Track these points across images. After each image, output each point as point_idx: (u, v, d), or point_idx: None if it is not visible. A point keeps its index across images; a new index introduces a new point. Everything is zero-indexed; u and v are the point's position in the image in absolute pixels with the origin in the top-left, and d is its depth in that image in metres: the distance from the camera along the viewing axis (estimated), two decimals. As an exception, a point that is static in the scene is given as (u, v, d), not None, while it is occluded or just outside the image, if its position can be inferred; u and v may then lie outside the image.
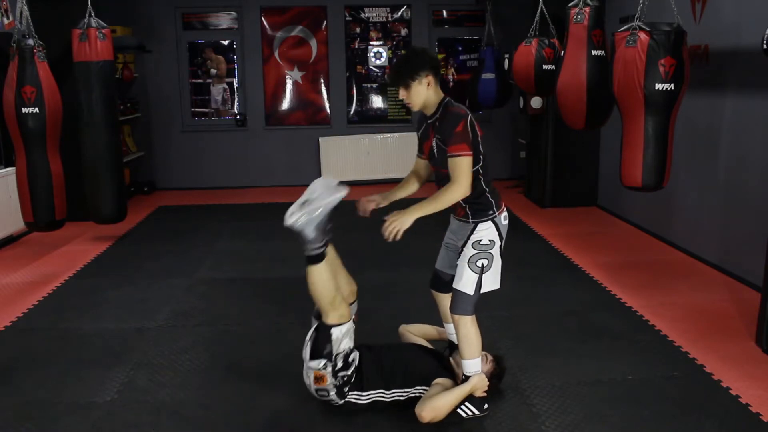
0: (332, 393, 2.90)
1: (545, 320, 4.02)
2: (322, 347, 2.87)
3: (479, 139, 2.85)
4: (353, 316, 3.04)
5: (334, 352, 2.87)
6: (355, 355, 2.95)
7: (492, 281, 2.91)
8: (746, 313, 4.00)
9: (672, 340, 3.70)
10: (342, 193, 2.90)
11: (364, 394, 2.93)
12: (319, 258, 2.86)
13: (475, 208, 2.90)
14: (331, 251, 3.00)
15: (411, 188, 3.17)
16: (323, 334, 2.88)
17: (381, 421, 2.90)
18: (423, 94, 2.84)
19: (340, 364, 2.88)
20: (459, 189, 2.77)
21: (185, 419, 2.94)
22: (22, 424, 2.89)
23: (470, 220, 2.92)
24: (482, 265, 2.88)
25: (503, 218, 2.95)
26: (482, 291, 2.90)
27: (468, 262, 2.88)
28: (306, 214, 2.82)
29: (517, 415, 2.95)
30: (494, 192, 2.94)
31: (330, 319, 2.88)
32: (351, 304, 3.09)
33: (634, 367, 3.37)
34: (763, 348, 3.55)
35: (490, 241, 2.89)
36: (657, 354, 3.54)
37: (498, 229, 2.92)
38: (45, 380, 3.30)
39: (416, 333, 3.40)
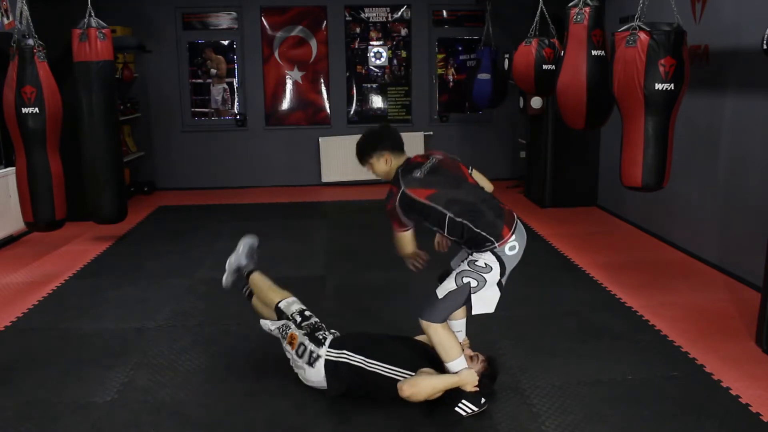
0: (308, 344, 3.06)
1: (545, 320, 4.02)
2: (279, 319, 3.30)
3: (430, 202, 2.89)
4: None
5: (288, 313, 3.26)
6: (312, 314, 3.27)
7: (483, 305, 2.91)
8: (746, 313, 4.00)
9: (672, 340, 3.70)
10: (249, 240, 3.81)
11: (342, 351, 3.01)
12: (251, 273, 3.62)
13: (472, 244, 2.93)
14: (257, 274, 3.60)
15: None
16: (276, 311, 3.35)
17: (381, 421, 2.90)
18: (382, 168, 3.12)
19: (298, 318, 3.21)
20: (402, 252, 3.15)
21: (185, 419, 2.94)
22: (22, 424, 2.89)
23: (471, 251, 2.95)
24: (468, 283, 2.87)
25: (507, 249, 2.91)
26: (474, 312, 2.92)
27: (456, 275, 2.91)
28: (230, 261, 3.68)
29: (517, 415, 2.95)
30: (491, 226, 2.89)
31: (275, 300, 3.38)
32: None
33: (634, 367, 3.37)
34: (763, 348, 3.55)
35: (485, 264, 2.88)
36: (657, 354, 3.54)
37: (500, 260, 2.90)
38: (45, 380, 3.30)
39: (425, 340, 3.39)
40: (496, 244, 2.88)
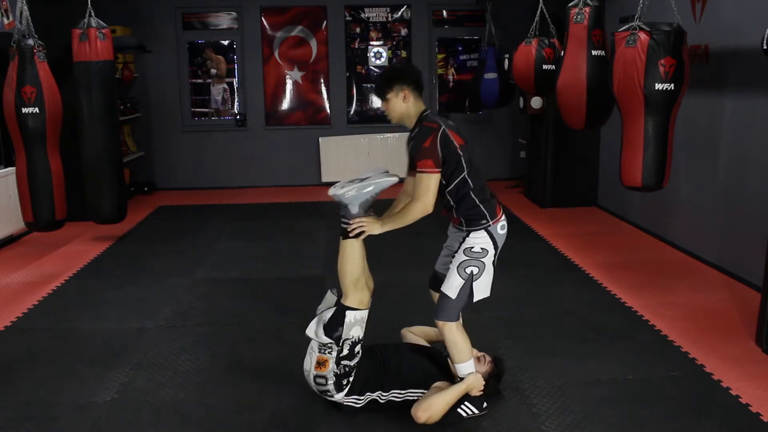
0: (330, 382, 2.88)
1: (545, 320, 4.02)
2: (332, 328, 2.86)
3: (460, 150, 2.83)
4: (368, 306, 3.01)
5: (343, 337, 2.86)
6: (360, 349, 2.93)
7: (483, 290, 2.91)
8: (746, 313, 4.00)
9: (672, 340, 3.70)
10: (394, 178, 2.95)
11: (361, 398, 2.94)
12: (357, 234, 2.87)
13: (468, 217, 2.90)
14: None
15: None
16: (338, 313, 2.87)
17: (380, 421, 2.90)
18: (400, 106, 2.92)
19: (345, 351, 2.86)
20: (420, 206, 2.79)
21: (185, 419, 2.94)
22: (22, 424, 2.89)
23: (464, 228, 2.92)
24: (471, 272, 2.87)
25: (499, 227, 2.92)
26: (475, 299, 2.90)
27: (457, 268, 2.89)
28: (356, 188, 2.88)
29: (517, 415, 2.95)
30: (488, 202, 2.91)
31: (349, 301, 2.88)
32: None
33: (634, 367, 3.37)
34: (763, 348, 3.55)
35: (482, 249, 2.88)
36: (657, 354, 3.54)
37: (493, 238, 2.89)
38: (45, 380, 3.30)
39: (418, 334, 3.40)
40: (490, 222, 2.89)
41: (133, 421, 2.92)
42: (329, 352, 2.86)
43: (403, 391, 2.94)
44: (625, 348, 3.62)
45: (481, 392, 2.94)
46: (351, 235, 2.84)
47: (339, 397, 2.92)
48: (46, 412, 2.99)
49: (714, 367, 3.36)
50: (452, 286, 2.89)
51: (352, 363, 2.90)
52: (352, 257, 2.89)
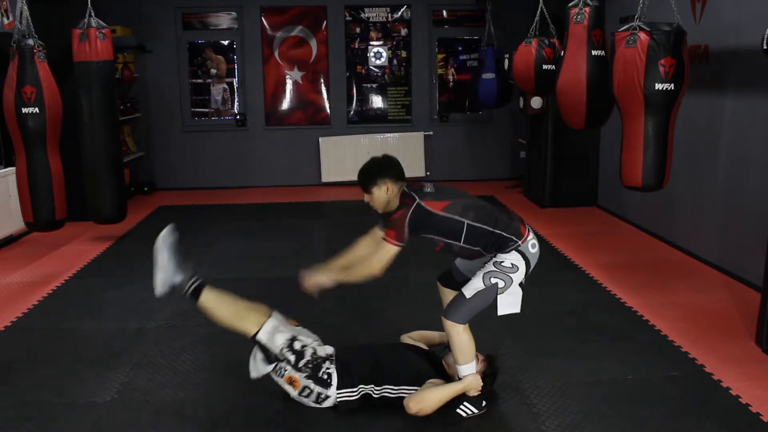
0: (313, 386, 2.91)
1: (545, 320, 4.02)
2: (266, 355, 2.95)
3: (445, 213, 2.86)
4: (284, 322, 3.07)
5: (275, 351, 2.92)
6: (304, 343, 2.98)
7: (509, 305, 2.92)
8: (746, 313, 4.00)
9: (672, 340, 3.70)
10: (164, 236, 3.02)
11: (354, 390, 2.94)
12: (199, 290, 3.00)
13: (497, 247, 2.90)
14: (211, 291, 3.07)
15: (354, 258, 3.16)
16: (257, 345, 2.97)
17: (380, 421, 2.90)
18: (383, 198, 2.99)
19: (291, 357, 2.92)
20: (369, 270, 2.90)
21: (185, 419, 2.94)
22: (22, 424, 2.89)
23: (493, 254, 2.92)
24: (496, 283, 2.86)
25: (530, 246, 2.92)
26: (499, 312, 2.91)
27: (483, 275, 2.89)
28: (159, 270, 2.98)
29: (517, 415, 2.95)
30: (509, 227, 2.91)
31: (250, 332, 2.96)
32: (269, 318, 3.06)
33: (634, 367, 3.37)
34: (763, 348, 3.55)
35: (512, 264, 2.88)
36: (657, 354, 3.54)
37: (525, 257, 2.90)
38: (45, 380, 3.30)
39: (417, 338, 3.39)
40: (520, 242, 2.89)
41: (133, 421, 2.92)
42: (285, 370, 2.93)
43: (396, 387, 2.94)
44: (625, 348, 3.62)
45: (479, 392, 2.94)
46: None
47: (332, 392, 2.92)
48: (46, 412, 2.99)
49: (714, 367, 3.36)
50: (471, 287, 2.89)
51: (309, 356, 2.94)
52: (215, 307, 3.00)
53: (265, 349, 2.94)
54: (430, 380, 2.95)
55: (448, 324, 2.90)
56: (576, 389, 3.16)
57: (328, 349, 3.03)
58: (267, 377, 3.00)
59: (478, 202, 3.01)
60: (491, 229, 2.88)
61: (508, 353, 3.53)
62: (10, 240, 5.84)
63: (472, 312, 2.90)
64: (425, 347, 3.30)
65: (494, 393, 3.08)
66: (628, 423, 2.87)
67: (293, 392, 2.95)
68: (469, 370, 2.92)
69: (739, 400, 3.05)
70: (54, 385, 3.25)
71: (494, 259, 2.90)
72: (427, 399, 2.84)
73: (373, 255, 2.92)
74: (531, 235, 2.96)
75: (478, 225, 2.88)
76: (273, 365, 2.94)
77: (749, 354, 3.53)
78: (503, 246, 2.89)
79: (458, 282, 3.12)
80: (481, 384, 2.94)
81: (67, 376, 3.34)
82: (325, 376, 2.92)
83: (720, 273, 4.83)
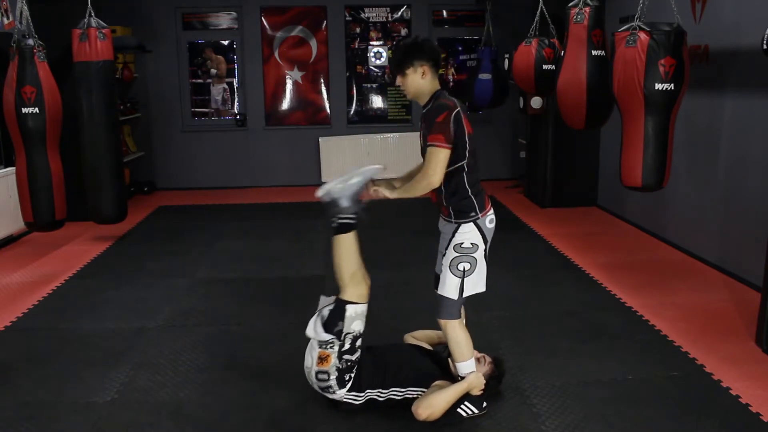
0: (332, 377, 2.88)
1: (545, 320, 4.02)
2: (333, 323, 2.86)
3: (467, 137, 2.80)
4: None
5: (344, 331, 2.85)
6: (361, 343, 2.92)
7: (474, 284, 2.89)
8: (746, 313, 4.00)
9: (672, 340, 3.70)
10: (377, 166, 2.96)
11: (361, 395, 2.94)
12: (347, 228, 2.89)
13: (458, 208, 2.87)
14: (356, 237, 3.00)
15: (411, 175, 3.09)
16: (338, 308, 2.87)
17: (380, 421, 2.90)
18: (417, 82, 2.86)
19: (347, 346, 2.86)
20: (426, 179, 2.76)
21: (185, 419, 2.94)
22: (22, 424, 2.89)
23: (453, 221, 2.89)
24: (464, 268, 2.86)
25: (488, 221, 2.90)
26: (465, 294, 2.89)
27: (450, 266, 2.87)
28: (341, 182, 2.90)
29: (517, 415, 2.95)
30: (479, 193, 2.89)
31: (347, 295, 2.88)
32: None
33: (634, 367, 3.37)
34: (763, 348, 3.55)
35: (472, 244, 2.86)
36: (657, 354, 3.54)
37: (482, 232, 2.87)
38: (45, 380, 3.30)
39: (419, 338, 3.40)
40: (479, 215, 2.87)
41: (133, 421, 2.92)
42: (331, 347, 2.85)
43: (402, 390, 2.95)
44: (625, 348, 3.62)
45: (482, 392, 2.94)
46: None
47: (341, 393, 2.91)
48: (46, 412, 2.99)
49: (714, 367, 3.36)
50: (450, 287, 2.88)
51: (354, 357, 2.89)
52: (347, 252, 2.90)
53: (335, 319, 2.85)
54: (436, 383, 2.95)
55: (443, 322, 2.92)
56: (576, 389, 3.16)
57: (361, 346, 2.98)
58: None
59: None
60: (467, 187, 2.85)
61: (508, 353, 3.53)
62: (10, 240, 5.84)
63: (459, 303, 2.90)
64: (429, 347, 3.30)
65: (500, 393, 3.08)
66: (628, 423, 2.87)
67: (313, 366, 2.88)
68: (468, 368, 2.92)
69: (739, 400, 3.05)
70: (54, 385, 3.25)
71: (453, 242, 2.86)
72: (434, 405, 2.82)
73: (426, 165, 2.76)
74: (491, 210, 2.93)
75: (466, 172, 2.83)
76: (330, 337, 2.84)
77: (749, 354, 3.53)
78: (461, 212, 2.85)
79: None
80: (484, 382, 2.94)
81: (67, 376, 3.34)
82: (346, 378, 2.90)
83: (720, 273, 4.83)
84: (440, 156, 2.73)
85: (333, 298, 2.96)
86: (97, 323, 4.06)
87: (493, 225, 2.93)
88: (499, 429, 2.84)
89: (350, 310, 2.86)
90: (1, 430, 2.85)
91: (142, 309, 4.27)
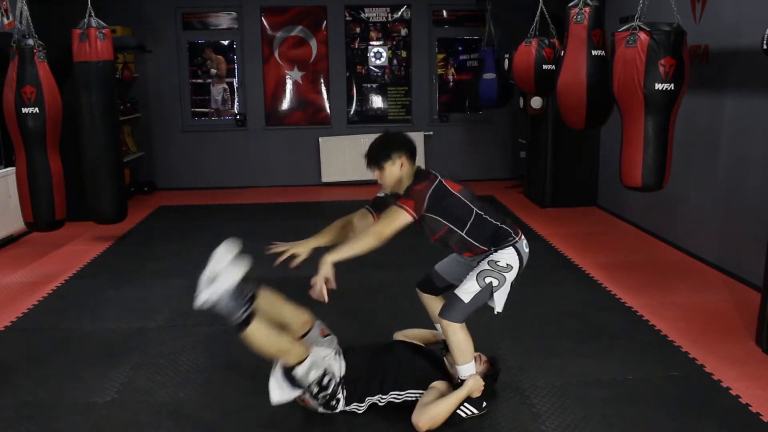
0: (320, 409, 2.92)
1: (545, 320, 4.02)
2: (292, 385, 2.82)
3: (460, 195, 2.86)
4: (320, 330, 3.03)
5: (305, 385, 2.82)
6: (333, 372, 2.89)
7: (497, 303, 2.91)
8: (746, 313, 4.00)
9: (672, 340, 3.70)
10: (243, 267, 2.84)
11: (362, 404, 2.94)
12: (245, 324, 2.73)
13: (495, 240, 2.91)
14: (263, 297, 2.98)
15: (333, 236, 3.15)
16: (287, 377, 2.81)
17: (380, 421, 2.90)
18: (396, 174, 2.90)
19: (315, 390, 2.85)
20: (377, 233, 2.75)
21: (185, 419, 2.94)
22: (22, 424, 2.89)
23: (491, 249, 2.91)
24: (491, 282, 2.87)
25: (524, 245, 2.96)
26: (497, 310, 2.91)
27: (477, 275, 2.88)
28: (210, 291, 2.76)
29: (517, 415, 2.95)
30: (508, 224, 2.95)
31: (289, 363, 2.79)
32: (306, 332, 3.02)
33: (634, 367, 3.37)
34: (763, 348, 3.55)
35: (507, 264, 2.89)
36: (657, 354, 3.54)
37: (519, 255, 2.92)
38: (45, 380, 3.30)
39: (412, 337, 3.39)
40: (516, 238, 2.92)
41: (133, 421, 2.92)
42: (304, 394, 2.86)
43: (401, 393, 2.94)
44: (625, 348, 3.62)
45: (481, 393, 2.94)
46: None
47: (339, 410, 2.93)
48: (46, 412, 2.99)
49: (714, 367, 3.36)
50: (467, 291, 2.88)
51: (330, 391, 2.88)
52: (260, 340, 2.76)
53: (291, 382, 2.79)
54: (433, 384, 2.95)
55: (445, 323, 2.91)
56: (576, 389, 3.16)
57: (342, 367, 2.95)
58: (267, 369, 2.99)
59: (480, 198, 3.01)
60: (495, 222, 2.91)
61: (508, 353, 3.53)
62: (10, 240, 5.84)
63: (468, 312, 2.91)
64: (423, 345, 3.30)
65: (495, 391, 3.08)
66: (628, 423, 2.87)
67: (299, 403, 2.93)
68: (468, 371, 2.92)
69: (739, 400, 3.05)
70: (54, 385, 3.25)
71: (489, 258, 2.90)
72: (436, 416, 2.81)
73: (382, 220, 2.78)
74: (523, 236, 3.00)
75: (485, 216, 2.90)
76: (298, 392, 2.82)
77: (749, 354, 3.53)
78: (502, 240, 2.91)
79: (440, 288, 3.15)
80: (483, 385, 2.94)
81: (67, 376, 3.34)
82: (334, 402, 2.90)
83: (720, 273, 4.83)
84: (404, 220, 2.75)
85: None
86: (97, 323, 4.06)
87: (528, 250, 2.98)
88: (499, 429, 2.84)
89: (299, 371, 2.78)
90: (1, 430, 2.85)
91: (142, 309, 4.27)
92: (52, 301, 4.46)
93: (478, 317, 2.98)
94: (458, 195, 2.88)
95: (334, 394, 2.90)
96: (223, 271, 2.81)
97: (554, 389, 3.16)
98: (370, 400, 2.94)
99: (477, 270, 2.90)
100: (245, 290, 2.79)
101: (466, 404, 2.87)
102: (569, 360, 3.47)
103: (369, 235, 2.78)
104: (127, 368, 3.42)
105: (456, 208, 2.87)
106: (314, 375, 2.83)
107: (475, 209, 2.90)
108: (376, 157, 2.90)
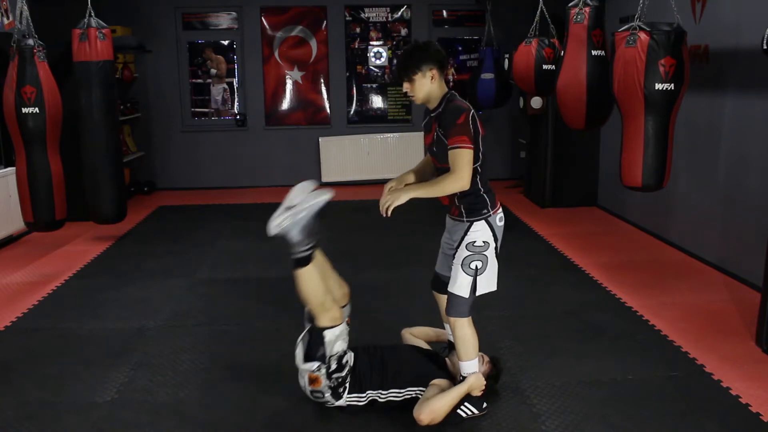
0: (327, 395, 2.91)
1: (545, 320, 4.02)
2: (315, 350, 2.88)
3: (481, 139, 2.83)
4: (346, 319, 3.03)
5: (328, 355, 2.87)
6: (349, 357, 2.96)
7: (487, 283, 2.91)
8: (746, 313, 4.00)
9: (672, 340, 3.70)
10: (326, 196, 2.89)
11: (362, 395, 2.94)
12: (304, 261, 2.84)
13: (470, 206, 2.89)
14: (319, 255, 2.99)
15: (426, 173, 3.10)
16: (316, 336, 2.88)
17: (380, 421, 2.90)
18: (426, 87, 2.86)
19: (334, 366, 2.88)
20: (458, 180, 2.74)
21: (185, 419, 2.94)
22: (22, 424, 2.89)
23: (464, 219, 2.91)
24: (476, 267, 2.87)
25: (498, 219, 2.92)
26: (478, 293, 2.90)
27: (462, 265, 2.88)
28: (290, 217, 2.81)
29: (517, 415, 2.95)
30: (490, 191, 2.92)
31: (322, 322, 2.87)
32: (343, 306, 3.07)
33: (634, 367, 3.37)
34: (763, 348, 3.55)
35: (484, 242, 2.88)
36: (657, 354, 3.54)
37: (492, 230, 2.89)
38: (45, 380, 3.30)
39: (417, 335, 3.40)
40: (491, 212, 2.89)
41: (133, 421, 2.92)
42: (318, 370, 2.87)
43: (402, 390, 2.95)
44: (625, 348, 3.62)
45: (482, 392, 2.95)
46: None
47: (341, 401, 2.93)
48: (46, 412, 2.99)
49: (714, 367, 3.36)
50: (462, 285, 2.88)
51: (344, 374, 2.91)
52: (310, 284, 2.86)
53: (316, 346, 2.87)
54: (434, 381, 2.95)
55: (452, 320, 2.92)
56: (576, 389, 3.16)
57: (351, 357, 2.99)
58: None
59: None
60: (479, 186, 2.87)
61: (508, 353, 3.53)
62: (10, 240, 5.84)
63: (470, 303, 2.91)
64: (427, 346, 3.30)
65: (497, 392, 3.08)
66: (628, 423, 2.87)
67: (306, 386, 2.91)
68: (471, 368, 2.92)
69: (739, 400, 3.05)
70: (54, 385, 3.25)
71: (465, 240, 2.88)
72: (436, 410, 2.82)
73: (455, 167, 2.73)
74: (501, 209, 2.96)
75: (480, 172, 2.85)
76: (316, 364, 2.86)
77: (749, 354, 3.53)
78: (474, 210, 2.87)
79: (445, 284, 3.14)
80: (484, 383, 2.94)
81: (67, 376, 3.34)
82: (340, 390, 2.91)
83: (720, 273, 4.83)
84: (468, 157, 2.74)
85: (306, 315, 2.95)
86: (97, 323, 4.06)
87: (502, 223, 2.95)
88: (499, 429, 2.84)
89: (328, 335, 2.86)
90: (1, 430, 2.85)
91: (142, 309, 4.27)
92: (52, 301, 4.46)
93: (478, 317, 2.98)
94: (480, 135, 2.81)
95: (345, 379, 2.91)
96: (303, 201, 2.84)
97: (554, 389, 3.16)
98: (371, 394, 2.94)
99: (460, 258, 2.88)
100: (315, 229, 2.85)
101: (466, 404, 2.87)
102: (569, 360, 3.47)
103: (451, 182, 2.74)
104: (127, 368, 3.42)
105: (474, 145, 2.77)
106: (339, 347, 2.88)
107: (479, 162, 2.83)
108: (406, 69, 2.82)
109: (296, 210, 2.82)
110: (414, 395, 2.93)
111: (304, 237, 2.83)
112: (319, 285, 2.88)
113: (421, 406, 2.84)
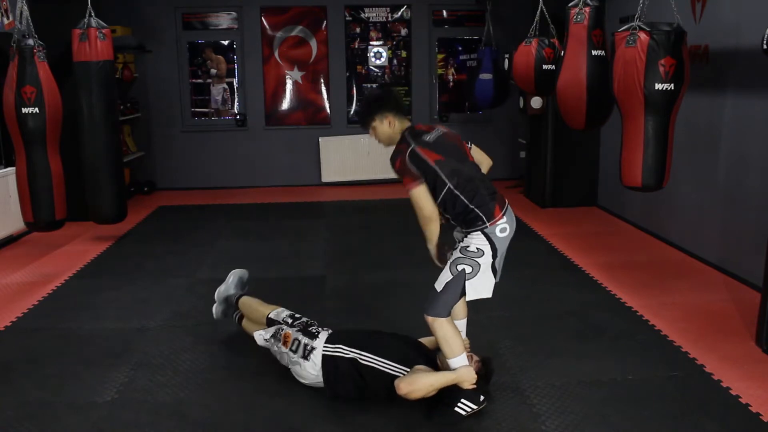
0: (302, 338, 3.11)
1: (545, 320, 4.02)
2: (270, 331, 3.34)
3: (435, 166, 2.89)
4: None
5: (280, 320, 3.36)
6: (301, 315, 3.38)
7: (476, 290, 2.92)
8: (746, 313, 4.00)
9: (672, 340, 3.70)
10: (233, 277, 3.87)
11: (347, 348, 3.04)
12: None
13: (464, 221, 2.95)
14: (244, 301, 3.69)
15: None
16: (268, 322, 3.47)
17: (380, 421, 2.90)
18: (387, 131, 3.07)
19: (290, 320, 3.32)
20: (423, 218, 2.95)
21: (185, 419, 2.94)
22: (22, 424, 2.89)
23: (464, 230, 2.98)
24: (463, 270, 2.88)
25: (498, 230, 2.92)
26: (468, 299, 2.94)
27: (450, 264, 2.93)
28: (216, 304, 3.80)
29: (517, 415, 2.95)
30: (483, 205, 2.91)
31: (265, 315, 3.49)
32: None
33: (634, 367, 3.37)
34: (763, 348, 3.55)
35: (477, 249, 2.90)
36: (657, 354, 3.54)
37: (490, 240, 2.91)
38: (45, 380, 3.30)
39: (424, 342, 3.38)
40: (487, 224, 2.90)
41: (133, 421, 2.92)
42: (282, 330, 3.23)
43: (385, 361, 2.97)
44: (625, 348, 3.62)
45: (474, 386, 2.92)
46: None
47: (318, 343, 3.08)
48: (46, 412, 2.99)
49: (714, 367, 3.36)
50: (440, 281, 2.92)
51: (303, 320, 3.31)
52: (253, 318, 3.59)
53: (270, 323, 3.39)
54: (419, 366, 2.96)
55: (430, 319, 2.93)
56: (576, 389, 3.16)
57: (328, 328, 3.26)
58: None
59: (467, 169, 2.99)
60: (466, 203, 2.90)
61: (508, 353, 3.53)
62: (10, 240, 5.84)
63: (449, 302, 2.92)
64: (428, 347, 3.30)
65: (490, 394, 3.07)
66: (628, 423, 2.87)
67: (286, 351, 3.15)
68: (459, 363, 2.92)
69: (739, 400, 3.05)
70: (54, 385, 3.25)
71: (460, 245, 2.94)
72: (417, 382, 2.85)
73: (415, 209, 2.96)
74: (503, 219, 2.94)
75: (457, 193, 2.90)
76: (274, 328, 3.27)
77: (749, 354, 3.53)
78: (470, 224, 2.92)
79: None
80: (475, 377, 2.92)
81: (67, 376, 3.34)
82: (313, 330, 3.17)
83: (720, 273, 4.83)
84: (418, 194, 2.92)
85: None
86: (97, 323, 4.06)
87: (505, 234, 2.95)
88: (499, 429, 2.84)
89: (272, 314, 3.45)
90: (1, 430, 2.85)
91: (142, 309, 4.27)
92: (52, 301, 4.46)
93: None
94: (433, 166, 2.90)
95: (309, 324, 3.26)
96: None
97: (554, 389, 3.16)
98: (351, 351, 3.02)
99: (451, 259, 2.94)
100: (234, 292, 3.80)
101: (463, 401, 2.85)
102: (569, 360, 3.48)
103: (422, 225, 3.00)
104: (127, 368, 3.42)
105: (430, 177, 2.91)
106: (286, 312, 3.41)
107: (448, 185, 2.90)
108: (365, 119, 3.10)
109: (219, 292, 3.82)
110: (396, 373, 2.94)
111: (235, 291, 3.81)
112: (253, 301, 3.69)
113: (403, 377, 2.88)
